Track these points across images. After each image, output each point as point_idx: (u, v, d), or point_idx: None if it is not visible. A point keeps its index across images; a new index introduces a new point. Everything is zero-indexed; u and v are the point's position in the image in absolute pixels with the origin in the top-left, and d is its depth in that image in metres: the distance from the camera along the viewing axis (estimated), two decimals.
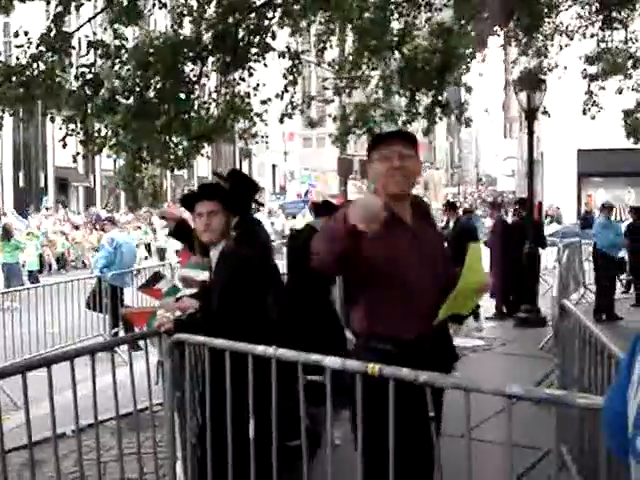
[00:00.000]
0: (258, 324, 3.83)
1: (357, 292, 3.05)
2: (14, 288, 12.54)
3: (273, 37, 9.29)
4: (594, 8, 12.02)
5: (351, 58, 10.96)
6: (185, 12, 9.25)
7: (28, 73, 8.47)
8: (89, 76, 8.68)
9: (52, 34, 8.45)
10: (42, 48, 8.44)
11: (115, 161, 11.55)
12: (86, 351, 3.56)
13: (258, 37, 9.10)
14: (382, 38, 10.04)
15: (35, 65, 8.49)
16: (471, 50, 10.96)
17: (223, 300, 3.86)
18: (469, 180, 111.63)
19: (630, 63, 13.71)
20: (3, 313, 9.01)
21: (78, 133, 9.07)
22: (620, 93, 14.28)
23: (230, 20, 8.94)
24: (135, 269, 11.54)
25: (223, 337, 3.47)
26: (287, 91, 9.83)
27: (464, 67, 11.44)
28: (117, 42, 8.85)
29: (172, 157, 9.35)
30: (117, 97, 8.76)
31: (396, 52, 10.47)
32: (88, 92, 8.66)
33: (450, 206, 12.30)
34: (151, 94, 8.82)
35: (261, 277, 4.13)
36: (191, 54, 8.99)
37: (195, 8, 9.09)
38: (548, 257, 13.59)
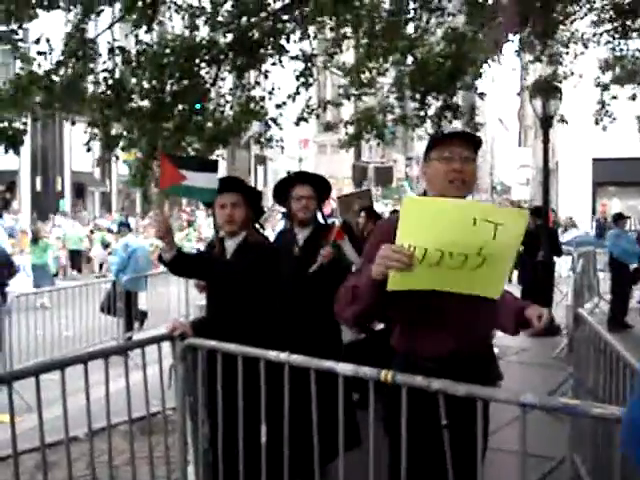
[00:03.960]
0: (277, 316, 3.98)
1: (389, 308, 2.80)
2: (40, 289, 12.70)
3: (287, 39, 9.34)
4: (609, 16, 12.00)
5: (362, 62, 10.97)
6: (198, 13, 9.31)
7: (53, 79, 8.58)
8: (110, 81, 8.78)
9: (74, 41, 8.56)
10: (65, 55, 8.56)
11: (130, 166, 11.61)
12: (100, 354, 3.57)
13: (272, 39, 9.15)
14: (394, 43, 10.05)
15: (60, 71, 8.60)
16: (484, 56, 10.95)
17: (261, 288, 3.98)
18: (483, 188, 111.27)
19: None
20: (28, 313, 9.06)
21: (101, 137, 9.18)
22: (634, 99, 14.22)
23: (245, 22, 9.00)
24: (149, 273, 11.58)
25: (243, 326, 3.60)
26: (299, 93, 9.83)
27: (476, 72, 11.43)
28: (138, 47, 8.94)
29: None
30: (133, 97, 8.85)
31: (408, 56, 10.47)
32: (110, 96, 8.76)
33: None
34: (166, 95, 8.88)
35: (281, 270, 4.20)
36: (207, 57, 9.06)
37: (209, 10, 9.14)
38: (563, 266, 13.53)
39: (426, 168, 2.92)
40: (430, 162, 2.89)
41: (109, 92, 8.77)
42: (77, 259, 23.33)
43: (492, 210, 2.50)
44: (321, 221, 5.04)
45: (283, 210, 5.27)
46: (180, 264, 4.42)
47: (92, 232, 24.47)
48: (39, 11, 8.87)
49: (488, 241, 2.44)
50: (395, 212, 9.73)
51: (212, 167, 4.43)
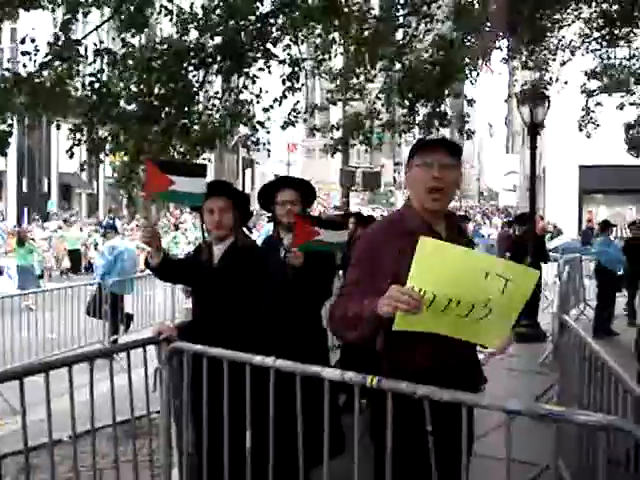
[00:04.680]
0: (264, 321, 4.00)
1: None
2: (25, 291, 12.65)
3: (274, 44, 9.33)
4: (597, 24, 12.08)
5: (350, 67, 10.99)
6: (189, 19, 9.29)
7: (36, 81, 8.51)
8: (97, 85, 8.72)
9: (60, 42, 8.49)
10: (50, 56, 8.49)
11: (115, 169, 11.59)
12: (85, 357, 3.55)
13: (260, 43, 9.14)
14: (383, 49, 10.07)
15: (44, 73, 8.53)
16: (471, 62, 11.01)
17: (249, 292, 3.98)
18: (470, 194, 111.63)
19: (633, 80, 13.76)
20: (10, 315, 8.99)
21: (85, 142, 9.11)
22: (621, 109, 14.32)
23: (233, 26, 8.98)
24: (135, 276, 11.53)
25: (232, 330, 3.67)
26: (285, 97, 9.82)
27: (464, 79, 11.48)
28: (124, 50, 8.89)
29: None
30: (119, 101, 8.80)
31: (396, 63, 10.50)
32: (95, 100, 8.70)
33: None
34: (153, 99, 8.85)
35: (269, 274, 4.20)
36: (194, 60, 9.03)
37: (200, 16, 9.12)
38: (549, 272, 13.58)
39: (408, 174, 2.97)
40: (412, 168, 2.93)
41: (94, 96, 8.71)
42: (76, 259, 23.32)
43: (504, 265, 2.60)
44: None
45: (269, 214, 5.26)
46: (167, 269, 4.41)
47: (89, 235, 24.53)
48: (23, 11, 8.80)
49: (496, 294, 2.54)
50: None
51: (200, 172, 4.42)
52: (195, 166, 5.39)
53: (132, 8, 8.52)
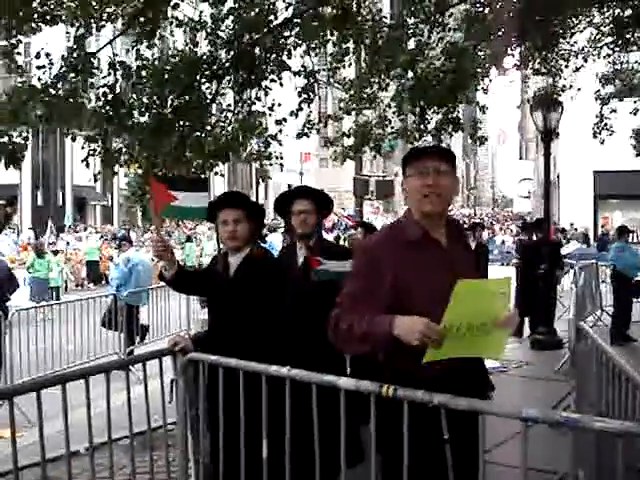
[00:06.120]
0: (279, 331, 3.99)
1: None
2: (41, 304, 12.75)
3: (289, 56, 9.36)
4: (608, 30, 12.04)
5: (364, 77, 11.00)
6: (199, 27, 9.34)
7: (53, 93, 8.60)
8: (110, 96, 8.80)
9: (75, 55, 8.58)
10: (65, 69, 8.58)
11: (129, 182, 11.70)
12: (101, 369, 3.56)
13: (274, 55, 9.17)
14: (395, 57, 10.08)
15: (59, 85, 8.61)
16: (483, 70, 11.00)
17: (265, 303, 3.97)
18: (485, 201, 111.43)
19: None
20: (29, 327, 9.05)
21: (100, 153, 9.18)
22: (635, 114, 14.25)
23: (246, 39, 9.03)
24: (150, 287, 11.57)
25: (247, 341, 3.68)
26: (301, 109, 9.84)
27: (476, 86, 11.47)
28: (139, 62, 8.97)
29: (185, 174, 9.41)
30: (134, 112, 8.86)
31: (409, 71, 10.50)
32: (110, 112, 8.77)
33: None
34: (167, 111, 8.90)
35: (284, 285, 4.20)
36: (207, 72, 9.08)
37: (210, 24, 9.18)
38: (565, 279, 13.51)
39: (405, 184, 2.98)
40: (407, 178, 2.95)
41: (108, 107, 8.79)
42: (95, 270, 23.50)
43: (501, 282, 2.82)
44: (324, 235, 5.05)
45: (279, 224, 5.29)
46: (181, 281, 4.42)
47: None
48: (43, 25, 8.92)
49: (502, 310, 2.75)
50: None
51: (201, 186, 4.45)
52: (196, 181, 5.44)
53: (144, 19, 8.61)
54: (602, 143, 14.04)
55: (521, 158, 58.79)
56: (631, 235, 13.20)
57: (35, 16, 8.65)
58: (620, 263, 11.60)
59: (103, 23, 9.05)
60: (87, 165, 9.18)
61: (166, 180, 4.82)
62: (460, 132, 11.73)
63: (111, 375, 3.47)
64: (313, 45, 9.86)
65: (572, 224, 28.68)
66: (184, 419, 3.78)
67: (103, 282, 22.80)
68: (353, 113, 11.74)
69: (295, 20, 9.38)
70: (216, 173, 10.67)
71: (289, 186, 53.32)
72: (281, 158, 10.82)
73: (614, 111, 13.74)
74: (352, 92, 11.32)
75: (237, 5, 9.18)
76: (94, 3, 8.95)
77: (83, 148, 9.17)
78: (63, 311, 9.95)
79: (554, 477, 5.01)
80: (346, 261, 4.72)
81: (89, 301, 10.44)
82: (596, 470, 4.33)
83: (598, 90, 13.99)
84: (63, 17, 8.85)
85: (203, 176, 9.46)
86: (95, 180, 13.69)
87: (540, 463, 4.59)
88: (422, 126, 10.98)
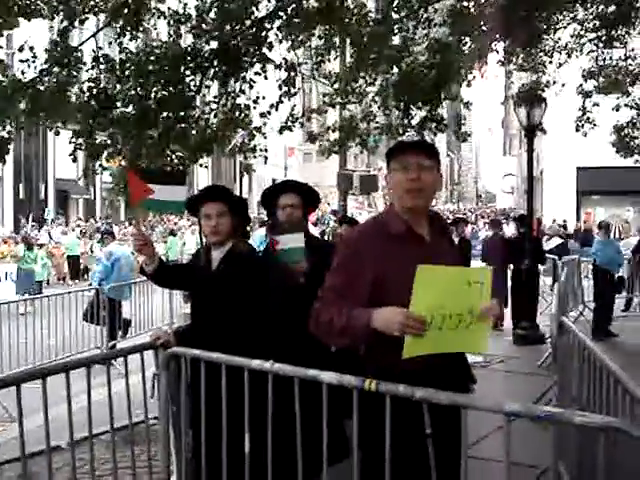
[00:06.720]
0: (263, 326, 3.94)
1: None
2: (23, 298, 12.72)
3: (270, 48, 9.32)
4: (592, 26, 12.09)
5: (349, 71, 10.99)
6: (183, 20, 9.28)
7: (37, 87, 8.52)
8: (95, 90, 8.73)
9: (59, 49, 8.50)
10: (50, 63, 8.50)
11: (112, 174, 11.59)
12: (82, 363, 3.54)
13: (256, 48, 9.14)
14: (381, 52, 10.07)
15: (44, 79, 8.54)
16: (467, 65, 11.01)
17: (247, 297, 3.94)
18: (469, 197, 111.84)
19: (629, 80, 13.76)
20: (9, 321, 8.98)
21: (85, 147, 9.11)
22: (617, 110, 14.32)
23: (229, 30, 8.98)
24: (133, 282, 11.52)
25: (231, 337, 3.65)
26: (282, 102, 9.81)
27: (460, 82, 11.49)
28: (122, 56, 8.90)
29: (169, 166, 9.36)
30: (117, 104, 8.81)
31: (394, 66, 10.50)
32: (95, 106, 8.71)
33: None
34: (151, 103, 8.85)
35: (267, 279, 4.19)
36: (191, 65, 9.04)
37: (194, 17, 9.12)
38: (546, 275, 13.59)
39: (388, 178, 3.00)
40: (391, 172, 2.96)
41: (93, 102, 8.72)
42: (75, 265, 23.35)
43: (476, 271, 2.85)
44: (310, 229, 5.03)
45: (264, 219, 5.27)
46: (163, 275, 4.40)
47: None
48: (22, 19, 8.83)
49: (477, 300, 2.73)
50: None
51: (179, 179, 4.42)
52: (174, 173, 5.41)
53: (127, 10, 8.55)
54: (585, 136, 14.11)
55: (505, 154, 59.09)
56: (611, 230, 13.29)
57: (15, 9, 8.55)
58: (602, 258, 11.67)
59: (87, 16, 8.96)
60: (74, 160, 9.12)
61: (143, 172, 4.77)
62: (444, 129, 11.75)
63: (92, 369, 3.45)
64: (297, 38, 9.83)
65: (554, 220, 28.87)
66: (166, 414, 3.76)
67: (85, 277, 22.68)
68: (337, 107, 11.73)
69: (279, 13, 9.35)
70: (200, 165, 10.63)
71: (273, 180, 53.07)
72: (266, 151, 10.79)
73: (596, 104, 13.81)
74: (337, 86, 11.31)
75: None
76: None
77: (71, 142, 9.11)
78: (45, 305, 9.89)
79: (535, 471, 5.03)
80: (299, 233, 4.64)
81: (70, 295, 10.37)
82: (577, 464, 4.35)
83: (581, 84, 14.05)
84: (42, 12, 8.75)
85: (181, 168, 9.41)
86: (85, 176, 13.60)
87: (522, 457, 4.60)
88: (406, 121, 10.99)
